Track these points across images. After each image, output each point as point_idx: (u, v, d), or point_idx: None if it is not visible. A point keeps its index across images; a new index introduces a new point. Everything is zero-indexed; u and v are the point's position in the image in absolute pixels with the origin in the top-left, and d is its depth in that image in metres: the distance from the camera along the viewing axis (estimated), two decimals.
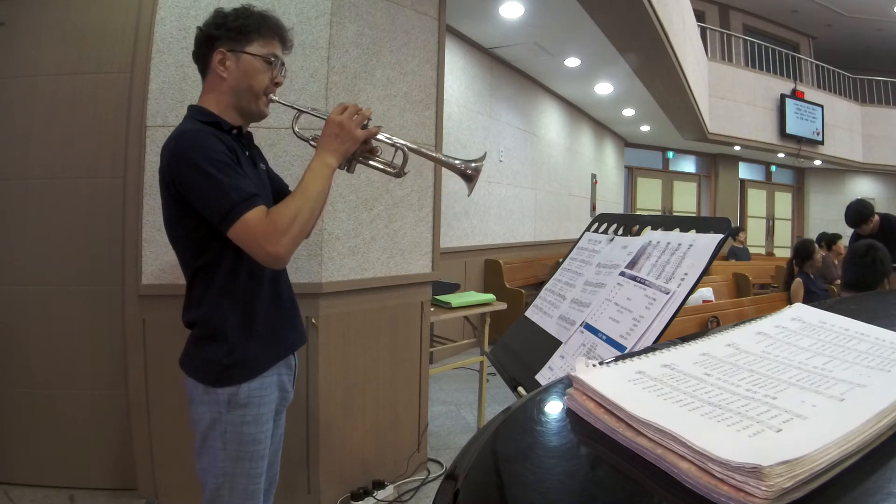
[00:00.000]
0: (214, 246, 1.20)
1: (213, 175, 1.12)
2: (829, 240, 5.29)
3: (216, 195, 1.12)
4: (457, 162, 1.32)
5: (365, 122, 1.26)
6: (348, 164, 1.30)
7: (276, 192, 1.40)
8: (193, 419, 1.25)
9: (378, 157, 1.34)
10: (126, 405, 2.20)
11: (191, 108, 1.28)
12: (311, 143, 1.32)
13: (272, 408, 1.29)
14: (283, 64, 1.30)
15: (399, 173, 1.34)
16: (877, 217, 3.98)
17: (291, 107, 1.33)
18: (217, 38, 1.24)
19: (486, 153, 1.41)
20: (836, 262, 4.90)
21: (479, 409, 3.12)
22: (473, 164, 1.31)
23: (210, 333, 1.22)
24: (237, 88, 1.25)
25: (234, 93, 1.25)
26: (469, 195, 1.36)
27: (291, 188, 1.44)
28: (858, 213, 3.95)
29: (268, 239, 1.13)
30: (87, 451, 2.29)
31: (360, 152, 1.30)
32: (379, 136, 1.29)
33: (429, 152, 1.37)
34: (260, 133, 2.07)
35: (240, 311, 1.23)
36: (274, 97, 1.29)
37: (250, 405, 1.23)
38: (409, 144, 1.31)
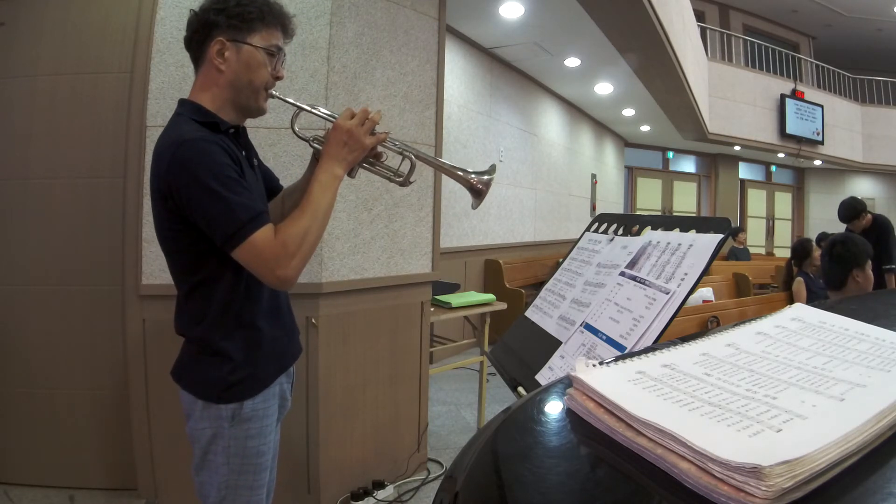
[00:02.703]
0: (213, 262, 1.12)
1: (219, 192, 1.03)
2: (821, 239, 5.29)
3: (222, 214, 1.04)
4: (472, 176, 1.22)
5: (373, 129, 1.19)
6: (351, 169, 1.22)
7: (269, 187, 1.34)
8: (192, 434, 1.18)
9: (383, 162, 1.26)
10: (126, 405, 2.20)
11: (183, 103, 1.17)
12: (313, 144, 1.25)
13: (274, 418, 1.25)
14: (284, 55, 1.21)
15: (405, 182, 1.25)
16: (870, 216, 4.00)
17: (292, 104, 1.23)
18: (216, 24, 1.12)
19: (494, 165, 1.31)
20: None
21: (479, 409, 3.12)
22: (485, 178, 1.22)
23: (212, 351, 1.15)
24: (236, 83, 1.15)
25: (233, 87, 1.15)
26: (475, 209, 1.28)
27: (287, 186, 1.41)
28: (851, 207, 3.99)
29: (277, 262, 1.06)
30: (87, 451, 2.29)
31: (365, 158, 1.22)
32: (386, 143, 1.21)
33: (438, 161, 1.29)
34: (260, 133, 2.07)
35: (242, 328, 1.17)
36: (274, 93, 1.20)
37: (254, 419, 1.18)
38: (417, 152, 1.24)
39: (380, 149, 1.23)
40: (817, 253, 4.27)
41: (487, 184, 1.23)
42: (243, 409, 1.16)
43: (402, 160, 1.25)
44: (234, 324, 1.16)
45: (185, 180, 1.05)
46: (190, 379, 1.18)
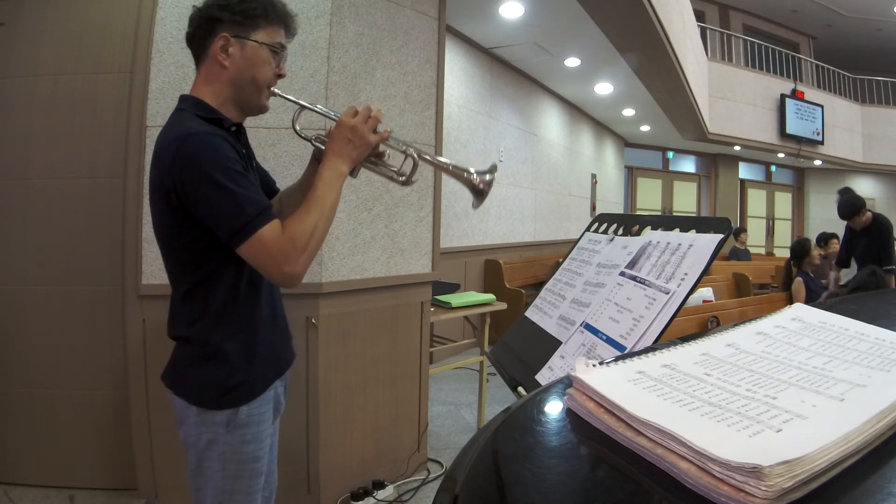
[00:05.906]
0: (215, 261, 1.10)
1: (227, 186, 1.01)
2: (822, 239, 5.27)
3: (229, 209, 1.02)
4: (473, 176, 1.21)
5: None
6: (354, 167, 1.20)
7: (266, 191, 1.30)
8: (186, 440, 1.16)
9: (385, 161, 1.24)
10: (126, 405, 2.20)
11: (185, 99, 1.15)
12: (314, 143, 1.24)
13: (269, 423, 1.23)
14: (286, 53, 1.20)
15: (407, 181, 1.23)
16: (870, 213, 4.00)
17: (295, 102, 1.21)
18: (220, 20, 1.10)
19: (495, 164, 1.30)
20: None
21: (479, 409, 3.12)
22: (487, 178, 1.21)
23: (208, 354, 1.13)
24: (239, 80, 1.13)
25: (235, 84, 1.14)
26: (476, 209, 1.27)
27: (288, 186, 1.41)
28: (851, 204, 3.99)
29: (286, 258, 1.04)
30: (87, 451, 2.29)
31: (368, 157, 1.20)
32: (389, 142, 1.20)
33: (440, 161, 1.27)
34: (260, 133, 2.07)
35: (241, 331, 1.15)
36: (276, 90, 1.18)
37: (250, 424, 1.16)
38: (420, 151, 1.22)
39: (382, 147, 1.22)
40: (816, 252, 4.27)
41: (489, 183, 1.22)
42: (239, 415, 1.14)
43: (405, 159, 1.23)
44: (234, 325, 1.14)
45: (190, 174, 1.02)
46: (184, 384, 1.16)
